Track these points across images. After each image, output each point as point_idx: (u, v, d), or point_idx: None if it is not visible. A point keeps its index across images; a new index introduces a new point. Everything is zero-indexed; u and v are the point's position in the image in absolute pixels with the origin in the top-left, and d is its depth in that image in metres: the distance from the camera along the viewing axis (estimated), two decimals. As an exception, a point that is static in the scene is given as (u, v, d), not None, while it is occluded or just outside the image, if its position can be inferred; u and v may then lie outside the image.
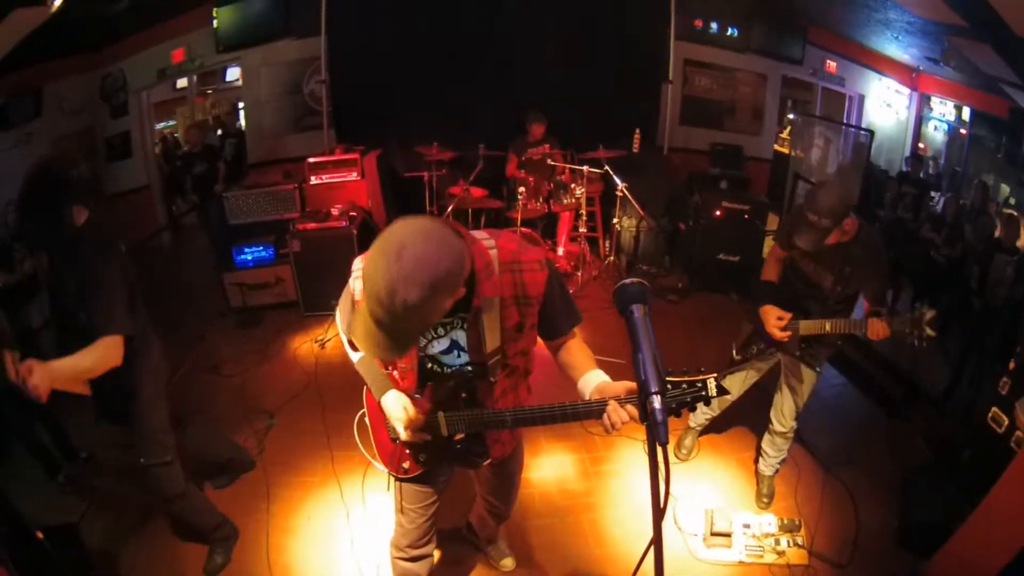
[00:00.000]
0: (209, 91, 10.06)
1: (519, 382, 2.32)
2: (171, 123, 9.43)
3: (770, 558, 3.48)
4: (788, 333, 3.40)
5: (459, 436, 2.26)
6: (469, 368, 2.18)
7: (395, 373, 2.28)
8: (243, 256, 6.25)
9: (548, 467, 4.24)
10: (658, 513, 1.27)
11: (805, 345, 3.46)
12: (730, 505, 3.82)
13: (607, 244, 7.15)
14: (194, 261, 7.62)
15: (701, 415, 4.13)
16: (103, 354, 2.60)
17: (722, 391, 1.75)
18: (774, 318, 3.40)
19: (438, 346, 2.16)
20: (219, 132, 8.45)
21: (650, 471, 1.27)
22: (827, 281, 3.32)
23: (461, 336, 2.12)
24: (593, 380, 2.08)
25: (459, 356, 2.17)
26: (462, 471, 2.66)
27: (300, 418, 4.78)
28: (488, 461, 2.43)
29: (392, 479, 2.54)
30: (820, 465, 4.15)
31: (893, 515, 3.74)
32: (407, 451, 2.38)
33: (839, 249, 3.18)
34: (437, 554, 3.41)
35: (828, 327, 3.29)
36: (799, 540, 3.54)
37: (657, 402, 1.29)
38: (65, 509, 3.84)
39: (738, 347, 3.79)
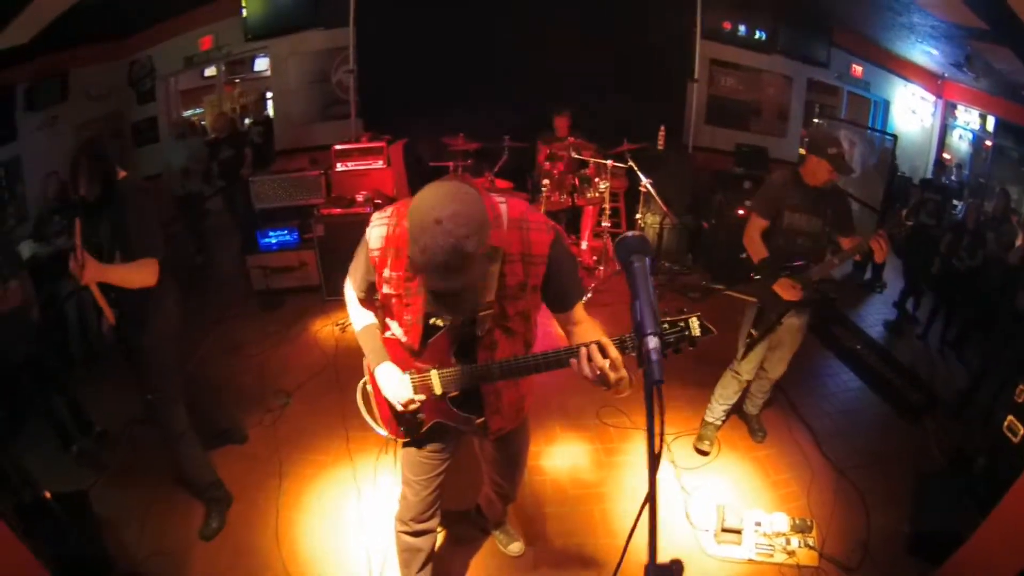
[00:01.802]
0: (237, 80, 10.03)
1: (518, 351, 2.29)
2: (198, 111, 9.41)
3: (780, 558, 3.39)
4: (800, 291, 3.61)
5: (452, 394, 2.31)
6: (466, 325, 2.19)
7: (397, 332, 2.32)
8: (267, 239, 6.24)
9: (561, 456, 4.19)
10: (654, 461, 1.23)
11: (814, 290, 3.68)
12: (742, 502, 3.74)
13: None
14: (217, 245, 7.63)
15: (719, 407, 4.11)
16: (140, 270, 3.07)
17: (706, 331, 1.80)
18: (789, 286, 3.62)
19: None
20: (247, 120, 8.43)
21: (647, 415, 1.24)
22: (817, 226, 3.64)
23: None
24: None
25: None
26: (469, 451, 2.73)
27: (317, 399, 4.78)
28: (489, 434, 2.48)
29: (398, 447, 2.62)
30: (834, 468, 4.05)
31: (905, 521, 3.63)
32: (401, 420, 2.46)
33: (820, 193, 3.60)
34: (442, 536, 3.45)
35: (836, 260, 3.63)
36: (810, 541, 3.45)
37: (652, 342, 1.29)
38: (77, 479, 3.85)
39: (755, 326, 3.85)
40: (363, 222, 5.77)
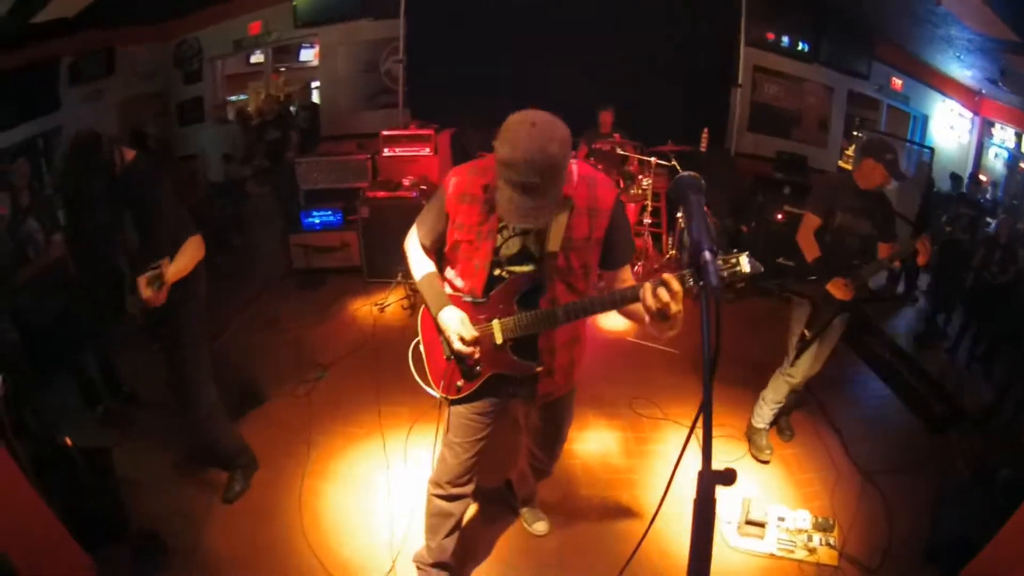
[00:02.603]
0: (283, 69, 10.12)
1: (574, 297, 2.34)
2: (243, 96, 9.51)
3: (801, 554, 3.38)
4: (852, 290, 3.63)
5: (510, 343, 2.35)
6: (532, 273, 2.28)
7: (459, 284, 2.39)
8: (311, 219, 6.33)
9: (594, 441, 4.21)
10: (710, 366, 1.25)
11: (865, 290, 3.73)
12: (767, 498, 3.73)
13: (670, 240, 7.04)
14: (259, 227, 7.70)
15: (768, 411, 4.08)
16: (192, 252, 3.13)
17: (755, 267, 1.83)
18: (843, 286, 3.63)
19: (511, 247, 2.28)
20: (292, 108, 8.51)
21: (702, 321, 1.29)
22: (865, 228, 3.69)
23: (532, 243, 2.26)
24: None
25: (526, 264, 2.29)
26: (502, 429, 2.71)
27: (352, 374, 4.83)
28: (537, 399, 2.54)
29: (442, 413, 2.66)
30: (859, 471, 4.02)
31: (925, 528, 3.59)
32: (460, 367, 2.46)
33: (869, 197, 3.66)
34: (470, 511, 3.44)
35: (886, 264, 3.74)
36: (831, 540, 3.44)
37: (709, 255, 1.36)
38: (100, 438, 3.89)
39: (808, 327, 3.83)
40: (408, 206, 6.00)
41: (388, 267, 6.07)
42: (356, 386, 4.65)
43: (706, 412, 1.24)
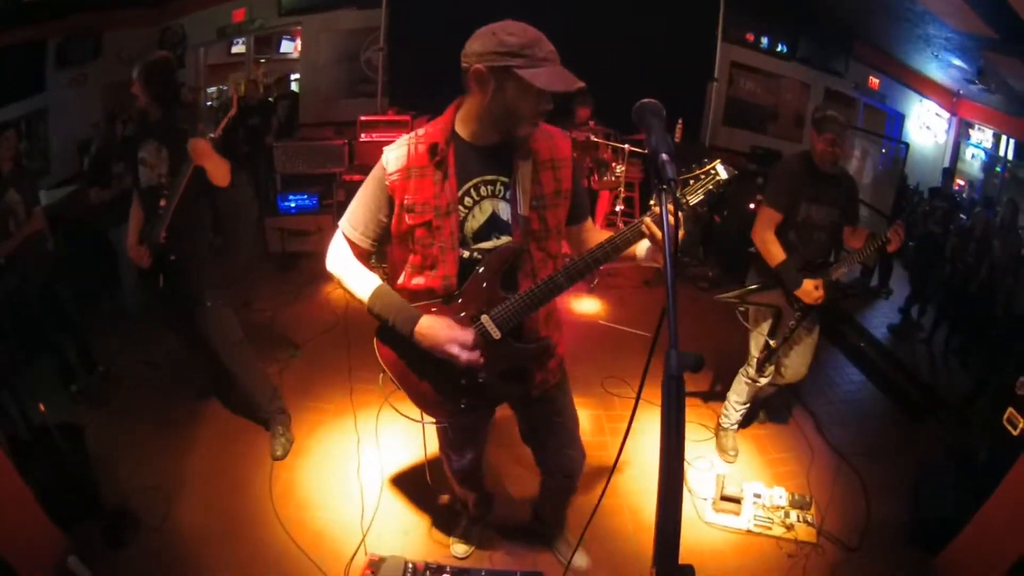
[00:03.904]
0: (263, 60, 10.01)
1: (555, 264, 2.10)
2: (223, 88, 9.36)
3: (778, 531, 3.28)
4: (823, 293, 3.27)
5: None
6: (513, 244, 1.98)
7: (419, 281, 2.02)
8: (287, 203, 6.21)
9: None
10: (672, 262, 1.18)
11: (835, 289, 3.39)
12: (742, 476, 3.64)
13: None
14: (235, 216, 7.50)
15: (734, 413, 3.81)
16: (224, 166, 3.16)
17: (730, 171, 1.82)
18: (812, 289, 3.26)
19: (477, 219, 1.97)
20: (270, 99, 8.39)
21: (663, 218, 1.24)
22: (834, 217, 3.35)
23: (502, 208, 1.98)
24: None
25: (495, 237, 1.99)
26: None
27: (324, 353, 4.73)
28: (533, 389, 2.24)
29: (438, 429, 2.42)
30: (835, 452, 3.94)
31: (904, 510, 3.51)
32: (457, 381, 2.07)
33: (835, 181, 3.30)
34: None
35: (858, 258, 3.38)
36: (809, 518, 3.34)
37: (666, 156, 1.32)
38: (73, 417, 3.75)
39: (772, 334, 3.51)
40: None
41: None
42: (328, 364, 4.54)
43: (672, 303, 1.14)
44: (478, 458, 2.64)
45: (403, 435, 3.83)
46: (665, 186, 1.27)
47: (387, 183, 1.94)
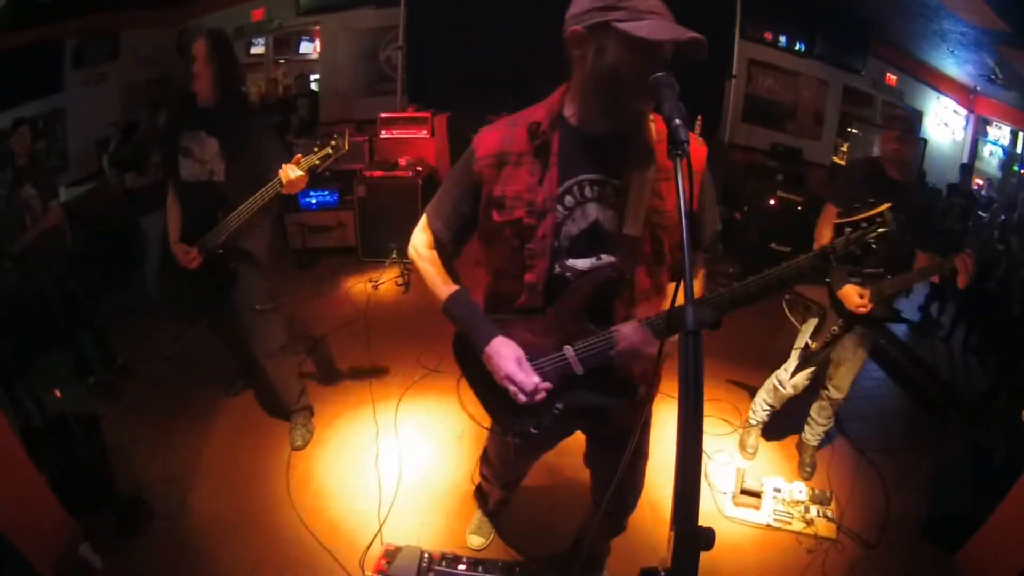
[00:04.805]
0: (282, 61, 10.02)
1: (658, 309, 1.71)
2: (243, 89, 9.35)
3: (798, 526, 3.23)
4: (870, 305, 3.00)
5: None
6: (613, 266, 1.67)
7: (505, 294, 1.78)
8: (307, 199, 6.18)
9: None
10: (689, 225, 1.14)
11: (886, 307, 3.10)
12: (762, 470, 3.58)
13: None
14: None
15: (761, 411, 3.67)
16: (300, 181, 2.89)
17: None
18: (856, 296, 3.00)
19: (577, 224, 1.65)
20: (293, 94, 8.38)
21: (677, 185, 1.21)
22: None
23: (608, 218, 1.64)
24: None
25: (593, 253, 1.68)
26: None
27: (345, 346, 4.70)
28: (611, 426, 1.95)
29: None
30: (854, 447, 3.87)
31: (922, 507, 3.44)
32: (527, 417, 1.82)
33: (902, 190, 3.01)
34: None
35: (916, 276, 3.05)
36: (829, 513, 3.28)
37: (679, 120, 1.29)
38: (89, 409, 3.71)
39: (814, 337, 3.27)
40: (404, 185, 5.86)
41: (383, 247, 5.92)
42: (348, 357, 4.52)
43: (688, 261, 1.11)
44: (526, 471, 2.57)
45: (422, 426, 3.82)
46: (679, 150, 1.23)
47: (474, 168, 1.69)
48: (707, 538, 0.95)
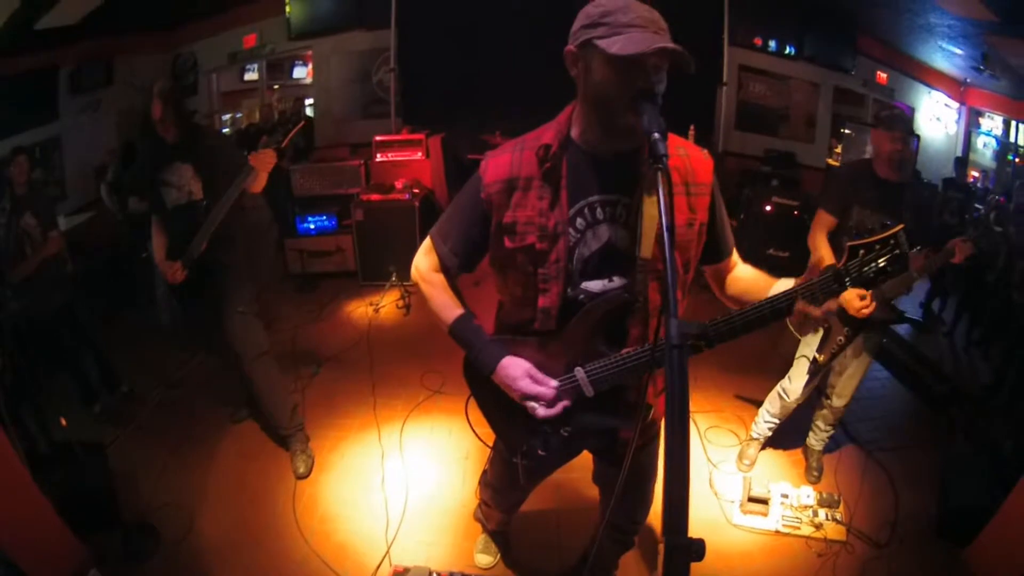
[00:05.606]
0: (276, 86, 10.06)
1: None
2: (238, 115, 9.40)
3: (807, 531, 3.21)
4: (873, 307, 2.80)
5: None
6: (624, 289, 1.66)
7: (517, 318, 1.77)
8: (306, 224, 6.22)
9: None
10: (671, 237, 1.17)
11: (890, 308, 3.09)
12: (769, 476, 3.56)
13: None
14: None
15: (763, 424, 3.63)
16: (264, 179, 3.22)
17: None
18: (857, 299, 2.77)
19: (590, 246, 1.64)
20: (288, 120, 8.39)
21: (659, 195, 1.24)
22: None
23: (620, 237, 1.63)
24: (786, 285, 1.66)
25: (606, 275, 1.67)
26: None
27: (347, 370, 4.70)
28: (618, 445, 1.91)
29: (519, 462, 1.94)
30: (861, 448, 3.86)
31: (931, 504, 3.42)
32: (538, 426, 1.78)
33: (897, 190, 3.04)
34: None
35: (916, 275, 2.97)
36: (837, 516, 3.27)
37: (658, 135, 1.34)
38: (96, 436, 3.75)
39: (820, 349, 3.21)
40: (402, 208, 5.90)
41: (382, 270, 5.94)
42: (351, 380, 4.53)
43: (670, 273, 1.13)
44: (527, 495, 2.54)
45: (428, 447, 3.83)
46: (659, 164, 1.27)
47: (482, 196, 1.65)
48: (697, 549, 0.95)
